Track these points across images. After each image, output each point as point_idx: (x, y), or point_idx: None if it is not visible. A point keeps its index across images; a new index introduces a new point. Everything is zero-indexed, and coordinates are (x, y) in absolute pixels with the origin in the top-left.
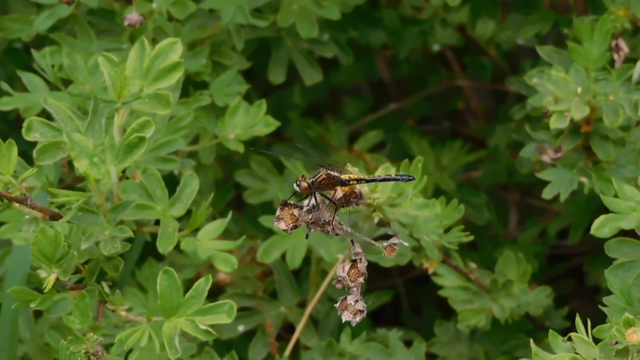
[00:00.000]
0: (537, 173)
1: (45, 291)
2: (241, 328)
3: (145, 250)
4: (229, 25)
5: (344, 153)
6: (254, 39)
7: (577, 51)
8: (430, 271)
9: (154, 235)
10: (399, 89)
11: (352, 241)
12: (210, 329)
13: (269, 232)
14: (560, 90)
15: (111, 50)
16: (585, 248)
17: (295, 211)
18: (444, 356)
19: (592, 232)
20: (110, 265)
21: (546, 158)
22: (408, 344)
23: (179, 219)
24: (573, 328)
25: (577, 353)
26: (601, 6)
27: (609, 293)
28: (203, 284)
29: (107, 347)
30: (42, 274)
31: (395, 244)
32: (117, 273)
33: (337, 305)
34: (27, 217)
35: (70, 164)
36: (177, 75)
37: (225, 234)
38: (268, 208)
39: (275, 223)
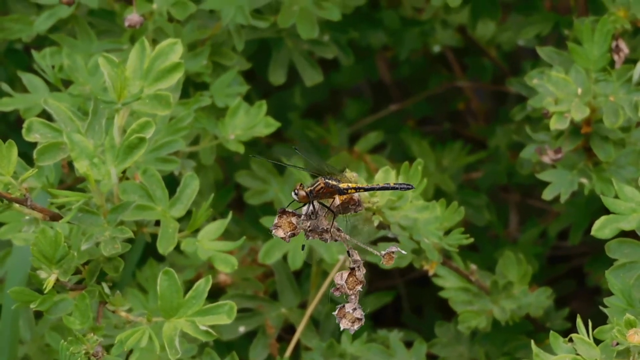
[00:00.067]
0: (538, 174)
1: (45, 292)
2: (242, 329)
3: (145, 251)
4: (229, 26)
5: (345, 154)
6: (255, 40)
7: (577, 52)
8: (431, 273)
9: (154, 236)
10: (399, 90)
11: (348, 252)
12: (210, 330)
13: (270, 233)
14: (560, 91)
15: (111, 51)
16: (586, 249)
17: (293, 219)
18: (445, 357)
19: (592, 233)
20: (111, 266)
21: (546, 159)
22: (409, 345)
23: (179, 220)
24: (574, 329)
25: (578, 354)
26: (601, 7)
27: (610, 294)
28: (203, 285)
29: (108, 348)
30: (42, 274)
31: (393, 253)
32: (117, 274)
33: (335, 313)
34: (27, 217)
35: (70, 164)
36: (178, 76)
37: (226, 235)
38: (269, 209)
39: (274, 231)
